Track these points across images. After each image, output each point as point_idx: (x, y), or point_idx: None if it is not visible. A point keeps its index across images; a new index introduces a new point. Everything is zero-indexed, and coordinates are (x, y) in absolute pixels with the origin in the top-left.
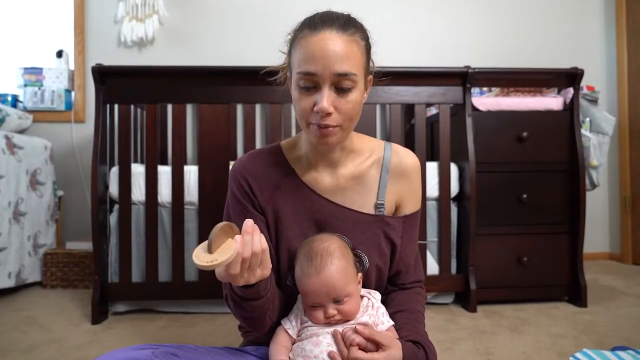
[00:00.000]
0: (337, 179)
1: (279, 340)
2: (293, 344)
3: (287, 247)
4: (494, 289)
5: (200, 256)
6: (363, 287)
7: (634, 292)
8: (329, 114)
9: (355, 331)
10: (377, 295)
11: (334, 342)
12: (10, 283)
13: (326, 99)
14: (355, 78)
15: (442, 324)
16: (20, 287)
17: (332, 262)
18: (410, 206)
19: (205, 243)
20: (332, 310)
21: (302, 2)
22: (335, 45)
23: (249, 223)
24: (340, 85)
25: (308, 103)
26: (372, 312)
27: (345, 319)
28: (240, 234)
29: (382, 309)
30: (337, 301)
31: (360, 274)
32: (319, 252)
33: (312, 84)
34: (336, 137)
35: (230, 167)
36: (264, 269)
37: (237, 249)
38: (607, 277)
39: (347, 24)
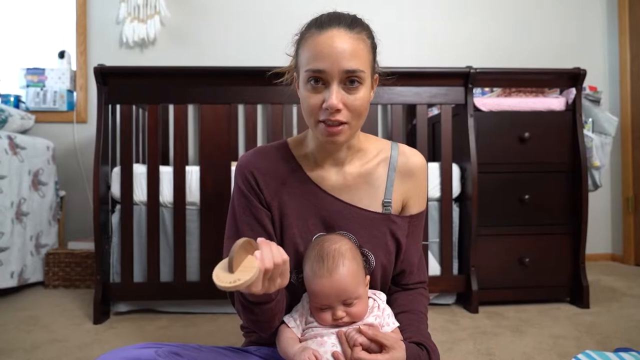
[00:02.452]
0: (344, 177)
1: (287, 335)
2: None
3: (292, 244)
4: (496, 289)
5: (221, 276)
6: (369, 287)
7: (636, 293)
8: (338, 110)
9: (359, 332)
10: (383, 297)
11: (338, 342)
12: (12, 283)
13: (335, 95)
14: (363, 75)
15: (444, 324)
16: (23, 287)
17: (344, 263)
18: (416, 206)
19: (225, 262)
20: (340, 313)
21: (303, 3)
22: (343, 42)
23: (262, 238)
24: (349, 82)
25: (317, 100)
26: (378, 313)
27: (353, 321)
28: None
29: (388, 310)
30: (346, 303)
31: (367, 277)
32: (331, 253)
33: (321, 82)
34: (344, 135)
35: (233, 166)
36: (284, 279)
37: (259, 266)
38: (609, 278)
39: (353, 22)
